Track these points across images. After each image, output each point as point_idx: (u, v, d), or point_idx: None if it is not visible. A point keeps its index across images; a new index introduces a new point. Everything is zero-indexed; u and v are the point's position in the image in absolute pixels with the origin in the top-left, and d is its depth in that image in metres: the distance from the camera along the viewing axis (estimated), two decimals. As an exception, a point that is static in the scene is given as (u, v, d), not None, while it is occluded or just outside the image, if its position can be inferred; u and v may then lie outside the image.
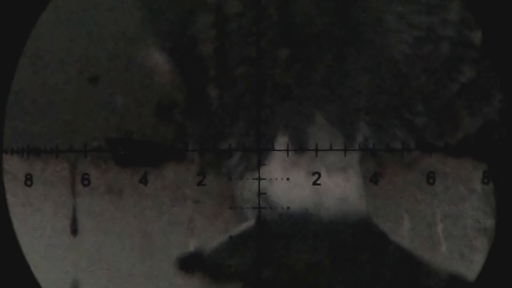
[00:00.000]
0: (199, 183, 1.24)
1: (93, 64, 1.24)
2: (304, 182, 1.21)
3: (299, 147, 1.23)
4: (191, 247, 1.25)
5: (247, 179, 1.22)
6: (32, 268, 1.23)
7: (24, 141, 1.24)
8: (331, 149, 1.24)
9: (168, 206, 1.24)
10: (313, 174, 1.24)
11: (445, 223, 1.25)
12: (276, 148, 1.24)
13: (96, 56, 1.24)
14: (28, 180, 1.25)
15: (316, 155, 1.24)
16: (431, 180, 1.25)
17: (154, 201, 1.24)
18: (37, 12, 1.23)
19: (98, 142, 1.24)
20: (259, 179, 1.24)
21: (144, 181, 1.24)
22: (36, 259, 1.25)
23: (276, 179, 1.21)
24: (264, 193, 1.21)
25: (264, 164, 1.23)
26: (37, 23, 1.24)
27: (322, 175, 1.22)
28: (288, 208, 1.20)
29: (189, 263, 1.17)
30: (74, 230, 1.24)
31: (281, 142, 1.23)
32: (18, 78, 1.24)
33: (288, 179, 1.21)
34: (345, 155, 1.24)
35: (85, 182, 1.24)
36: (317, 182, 1.24)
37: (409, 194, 1.26)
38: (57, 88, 1.24)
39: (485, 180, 1.24)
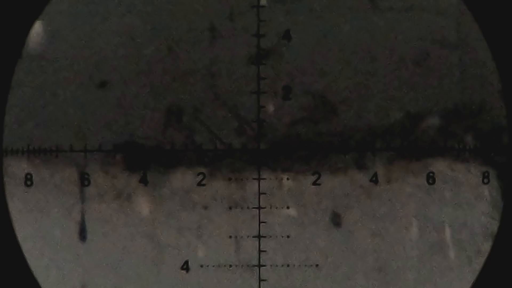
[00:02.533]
0: (199, 183, 1.25)
1: (102, 69, 1.24)
2: None
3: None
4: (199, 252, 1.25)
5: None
6: (32, 268, 1.23)
7: (25, 141, 1.25)
8: (331, 149, 1.24)
9: (177, 211, 1.24)
10: (313, 174, 1.24)
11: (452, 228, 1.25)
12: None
13: (105, 61, 1.24)
14: (28, 180, 1.25)
15: (316, 155, 1.24)
16: (430, 180, 1.25)
17: (163, 206, 1.24)
18: (37, 13, 1.24)
19: (107, 146, 1.24)
20: (259, 178, 1.24)
21: (144, 181, 1.24)
22: (42, 262, 1.25)
23: None
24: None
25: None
26: (37, 24, 1.24)
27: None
28: None
29: None
30: (83, 236, 1.24)
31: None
32: (18, 78, 1.24)
33: None
34: (345, 156, 1.24)
35: (86, 183, 1.24)
36: (317, 182, 1.24)
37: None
38: (65, 91, 1.24)
39: (485, 180, 1.24)
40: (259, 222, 1.24)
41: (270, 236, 1.24)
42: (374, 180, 1.24)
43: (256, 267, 1.25)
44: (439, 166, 1.25)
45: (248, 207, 1.24)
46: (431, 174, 1.25)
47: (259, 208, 1.24)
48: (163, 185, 1.25)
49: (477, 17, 1.23)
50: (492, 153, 1.24)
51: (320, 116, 1.24)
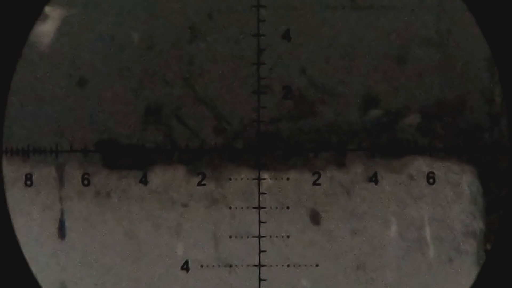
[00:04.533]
0: (199, 183, 1.25)
1: (82, 67, 1.24)
2: None
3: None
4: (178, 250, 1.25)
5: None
6: (32, 267, 1.23)
7: (25, 141, 1.25)
8: (330, 149, 1.24)
9: (156, 209, 1.25)
10: (313, 174, 1.24)
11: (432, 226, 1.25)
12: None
13: (85, 59, 1.24)
14: (28, 180, 1.25)
15: (316, 155, 1.24)
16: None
17: (142, 204, 1.24)
18: (37, 12, 1.24)
19: (86, 145, 1.24)
20: (259, 178, 1.25)
21: (144, 180, 1.24)
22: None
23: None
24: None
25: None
26: (36, 24, 1.25)
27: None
28: None
29: None
30: (62, 233, 1.24)
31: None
32: (17, 78, 1.25)
33: None
34: (345, 156, 1.24)
35: (86, 182, 1.24)
36: (317, 182, 1.24)
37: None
38: (48, 90, 1.24)
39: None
40: (259, 223, 1.24)
41: (271, 236, 1.25)
42: (374, 180, 1.25)
43: (256, 267, 1.25)
44: (419, 164, 1.25)
45: (247, 207, 1.25)
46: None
47: (259, 208, 1.24)
48: (143, 183, 1.25)
49: (477, 18, 1.23)
50: (473, 152, 1.25)
51: (300, 114, 1.24)
